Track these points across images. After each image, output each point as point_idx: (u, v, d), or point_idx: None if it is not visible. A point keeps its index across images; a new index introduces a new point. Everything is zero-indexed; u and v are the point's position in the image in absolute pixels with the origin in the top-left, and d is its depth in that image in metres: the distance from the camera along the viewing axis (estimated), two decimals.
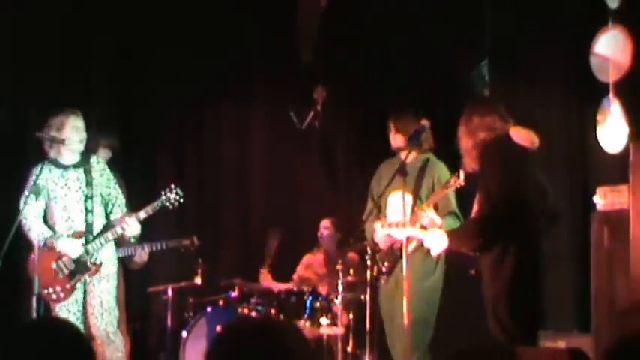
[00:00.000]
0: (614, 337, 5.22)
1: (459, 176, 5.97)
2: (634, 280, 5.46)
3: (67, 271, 6.53)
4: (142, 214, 6.58)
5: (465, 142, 5.54)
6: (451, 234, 5.57)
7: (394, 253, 6.62)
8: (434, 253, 5.68)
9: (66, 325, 2.56)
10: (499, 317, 5.27)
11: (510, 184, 5.32)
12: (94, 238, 6.55)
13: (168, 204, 6.64)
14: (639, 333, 2.70)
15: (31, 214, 6.50)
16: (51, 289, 6.49)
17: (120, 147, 7.87)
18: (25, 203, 6.42)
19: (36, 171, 6.56)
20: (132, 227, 6.58)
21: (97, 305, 6.52)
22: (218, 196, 9.64)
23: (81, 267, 6.53)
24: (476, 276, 5.65)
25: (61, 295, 6.52)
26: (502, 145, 5.44)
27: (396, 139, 6.91)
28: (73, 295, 6.56)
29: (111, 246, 6.71)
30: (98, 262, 6.55)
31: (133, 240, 6.92)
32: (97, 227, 6.65)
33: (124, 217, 6.59)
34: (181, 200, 6.68)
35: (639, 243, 5.47)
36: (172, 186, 6.70)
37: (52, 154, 6.62)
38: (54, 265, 6.52)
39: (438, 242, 5.60)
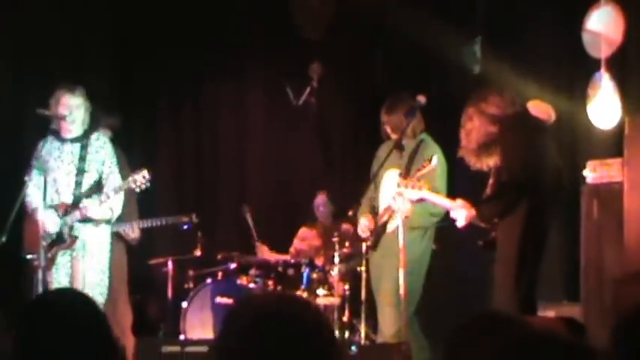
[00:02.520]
0: (612, 308, 5.20)
1: (430, 160, 6.03)
2: (628, 250, 5.41)
3: (49, 241, 6.43)
4: (104, 197, 6.41)
5: (479, 122, 5.51)
6: (477, 206, 5.56)
7: (378, 229, 6.60)
8: (460, 224, 5.64)
9: (82, 295, 2.47)
10: (509, 284, 5.31)
11: (530, 155, 5.35)
12: (70, 212, 6.42)
13: (134, 185, 6.42)
14: (635, 302, 2.59)
15: (32, 185, 6.39)
16: (35, 256, 6.37)
17: (120, 126, 7.73)
18: (29, 174, 6.31)
19: (41, 143, 6.46)
20: (91, 209, 6.40)
21: (80, 281, 6.40)
22: (216, 171, 9.55)
23: (59, 239, 6.43)
24: (485, 247, 5.64)
25: (43, 263, 6.39)
26: (522, 118, 5.47)
27: (390, 135, 6.78)
28: (63, 269, 6.46)
29: (98, 224, 6.55)
30: (74, 235, 6.42)
31: (102, 224, 6.67)
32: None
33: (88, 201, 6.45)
34: (148, 184, 6.43)
35: (633, 215, 5.43)
36: (139, 169, 6.44)
37: (56, 127, 6.49)
38: (41, 233, 6.40)
39: (465, 213, 5.57)
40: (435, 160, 6.09)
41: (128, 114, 8.46)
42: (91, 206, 6.40)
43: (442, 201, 5.98)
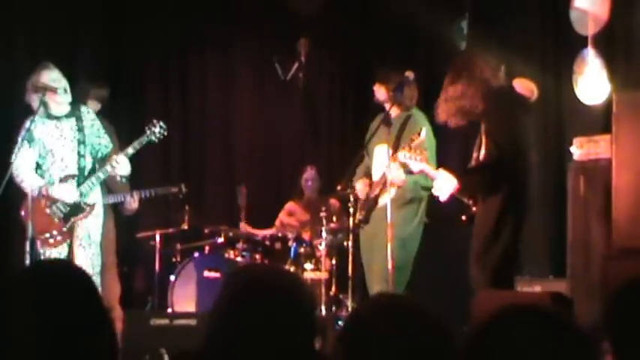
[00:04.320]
0: (600, 284, 5.23)
1: (420, 134, 6.02)
2: (616, 226, 5.42)
3: (61, 215, 6.39)
4: (130, 150, 6.37)
5: (463, 90, 5.50)
6: (460, 178, 5.54)
7: (369, 203, 6.58)
8: (443, 197, 5.63)
9: (74, 266, 2.45)
10: (480, 258, 5.34)
11: (514, 130, 5.36)
12: (85, 179, 6.40)
13: (154, 137, 6.43)
14: (627, 279, 2.61)
15: (23, 165, 6.33)
16: (48, 235, 6.32)
17: (108, 98, 7.68)
18: (17, 154, 6.25)
19: (27, 123, 6.38)
20: (121, 165, 6.38)
21: (84, 237, 6.34)
22: (203, 145, 9.51)
23: (75, 209, 6.39)
24: (466, 223, 5.64)
25: (58, 238, 6.35)
26: (507, 94, 5.49)
27: (380, 92, 6.77)
28: (64, 245, 6.41)
29: (97, 188, 6.54)
30: (91, 202, 6.41)
31: (124, 180, 6.68)
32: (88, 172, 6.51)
33: (112, 156, 6.42)
34: (165, 133, 6.47)
35: (621, 191, 5.44)
36: (155, 120, 6.49)
37: (42, 108, 6.42)
38: (48, 211, 6.36)
39: (447, 185, 5.56)
40: (424, 133, 6.09)
41: (116, 86, 8.42)
42: (123, 162, 6.38)
43: (434, 173, 5.98)
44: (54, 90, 6.33)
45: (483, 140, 5.57)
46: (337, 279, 7.46)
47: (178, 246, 8.17)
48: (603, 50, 6.63)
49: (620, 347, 2.39)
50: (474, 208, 5.65)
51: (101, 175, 6.40)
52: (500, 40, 7.70)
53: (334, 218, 7.68)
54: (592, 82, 6.52)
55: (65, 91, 6.43)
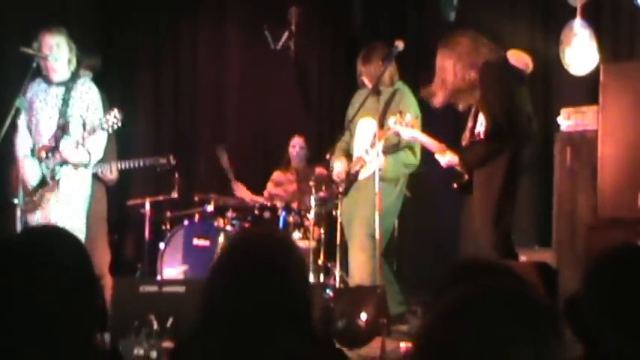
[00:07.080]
0: (584, 254, 5.24)
1: (403, 115, 6.11)
2: (601, 197, 5.44)
3: (33, 184, 6.37)
4: (80, 139, 6.28)
5: (457, 67, 5.53)
6: (461, 152, 5.63)
7: (350, 176, 6.67)
8: (443, 163, 5.73)
9: (65, 231, 2.45)
10: (489, 230, 5.42)
11: (508, 104, 5.41)
12: (50, 155, 6.33)
13: (106, 126, 6.21)
14: (608, 247, 2.61)
15: (21, 126, 6.32)
16: (16, 200, 6.34)
17: (100, 67, 7.63)
18: (19, 118, 6.27)
19: (29, 85, 6.36)
20: (69, 152, 6.25)
21: (58, 209, 6.31)
22: (194, 113, 9.49)
23: (42, 182, 6.36)
24: (459, 190, 5.70)
25: (29, 206, 6.35)
26: (502, 67, 5.51)
27: (364, 81, 6.78)
28: (38, 213, 6.38)
29: (76, 168, 6.45)
30: (57, 178, 6.35)
31: (85, 168, 6.54)
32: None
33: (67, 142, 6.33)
34: (119, 124, 6.19)
35: (607, 162, 5.45)
36: (114, 109, 6.26)
37: (44, 71, 6.38)
38: (21, 178, 6.34)
39: (449, 157, 5.71)
40: (409, 118, 6.12)
41: (107, 56, 8.37)
42: (68, 148, 6.26)
43: (430, 142, 6.00)
44: (44, 57, 6.28)
45: (480, 115, 5.61)
46: (325, 248, 7.47)
47: (168, 214, 8.17)
48: (592, 20, 6.62)
49: (598, 313, 2.39)
50: (466, 177, 5.71)
51: (57, 157, 6.29)
52: (489, 11, 7.69)
53: (323, 187, 7.67)
54: (580, 52, 6.51)
55: (57, 60, 6.36)
